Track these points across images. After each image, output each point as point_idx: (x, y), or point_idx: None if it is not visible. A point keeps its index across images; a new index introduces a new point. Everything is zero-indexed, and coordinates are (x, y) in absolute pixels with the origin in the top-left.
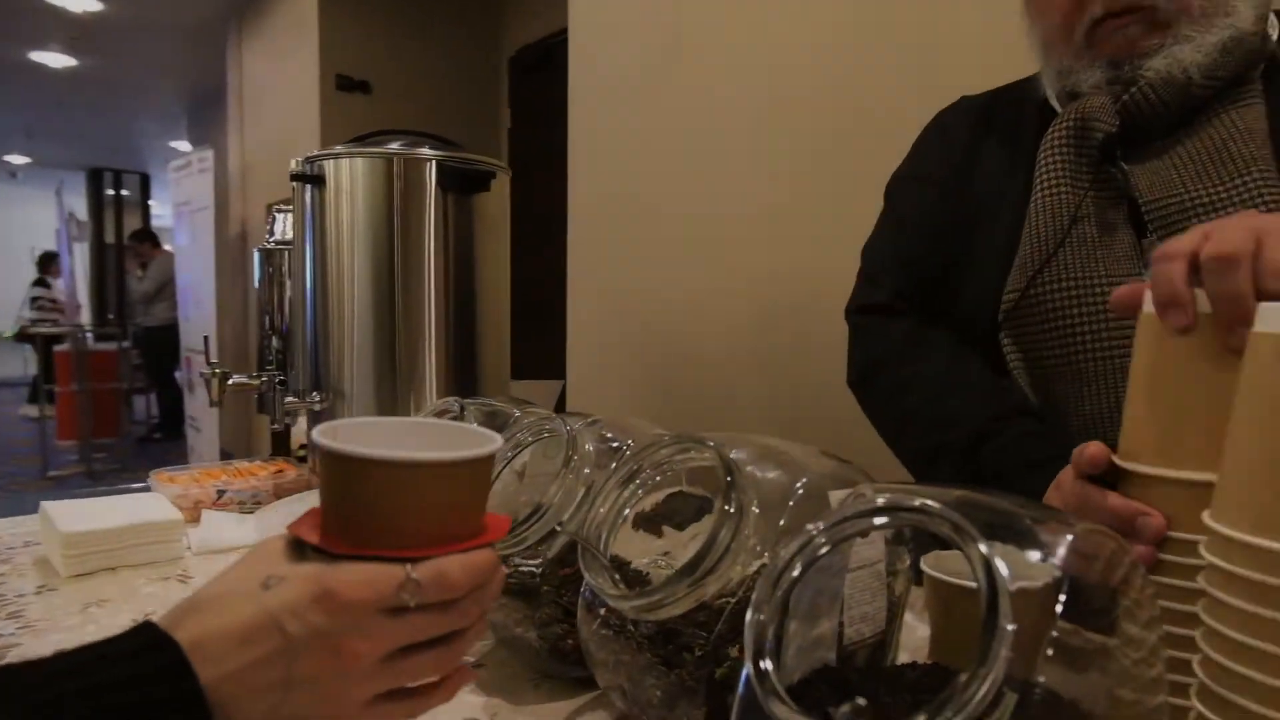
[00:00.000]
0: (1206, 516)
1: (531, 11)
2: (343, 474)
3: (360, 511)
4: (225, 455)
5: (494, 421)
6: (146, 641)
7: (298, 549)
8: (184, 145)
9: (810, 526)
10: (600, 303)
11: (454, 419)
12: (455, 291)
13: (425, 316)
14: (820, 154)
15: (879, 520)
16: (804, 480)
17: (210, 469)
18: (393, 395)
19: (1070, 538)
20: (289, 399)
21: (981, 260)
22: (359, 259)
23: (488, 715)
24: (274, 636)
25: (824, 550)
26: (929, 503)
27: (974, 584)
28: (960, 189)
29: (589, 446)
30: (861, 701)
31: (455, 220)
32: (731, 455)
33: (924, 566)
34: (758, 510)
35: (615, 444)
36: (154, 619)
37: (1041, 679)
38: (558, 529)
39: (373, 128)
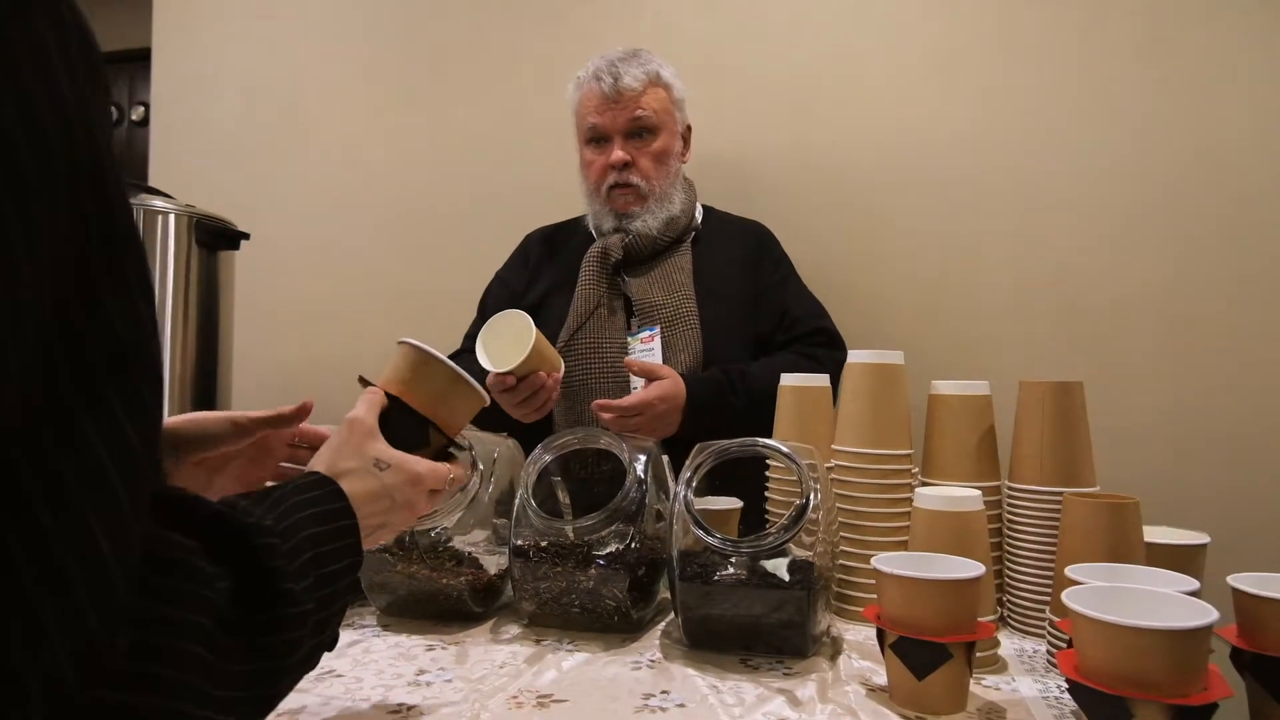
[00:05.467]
0: (834, 445)
1: None
2: (450, 381)
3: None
4: None
5: None
6: (329, 484)
7: (382, 427)
8: None
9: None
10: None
11: None
12: (198, 346)
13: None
14: (457, 243)
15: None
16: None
17: None
18: None
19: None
20: None
21: (545, 322)
22: None
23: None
24: (385, 498)
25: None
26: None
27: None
28: (528, 287)
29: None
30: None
31: (201, 277)
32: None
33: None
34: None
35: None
36: (319, 469)
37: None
38: (554, 480)
39: None
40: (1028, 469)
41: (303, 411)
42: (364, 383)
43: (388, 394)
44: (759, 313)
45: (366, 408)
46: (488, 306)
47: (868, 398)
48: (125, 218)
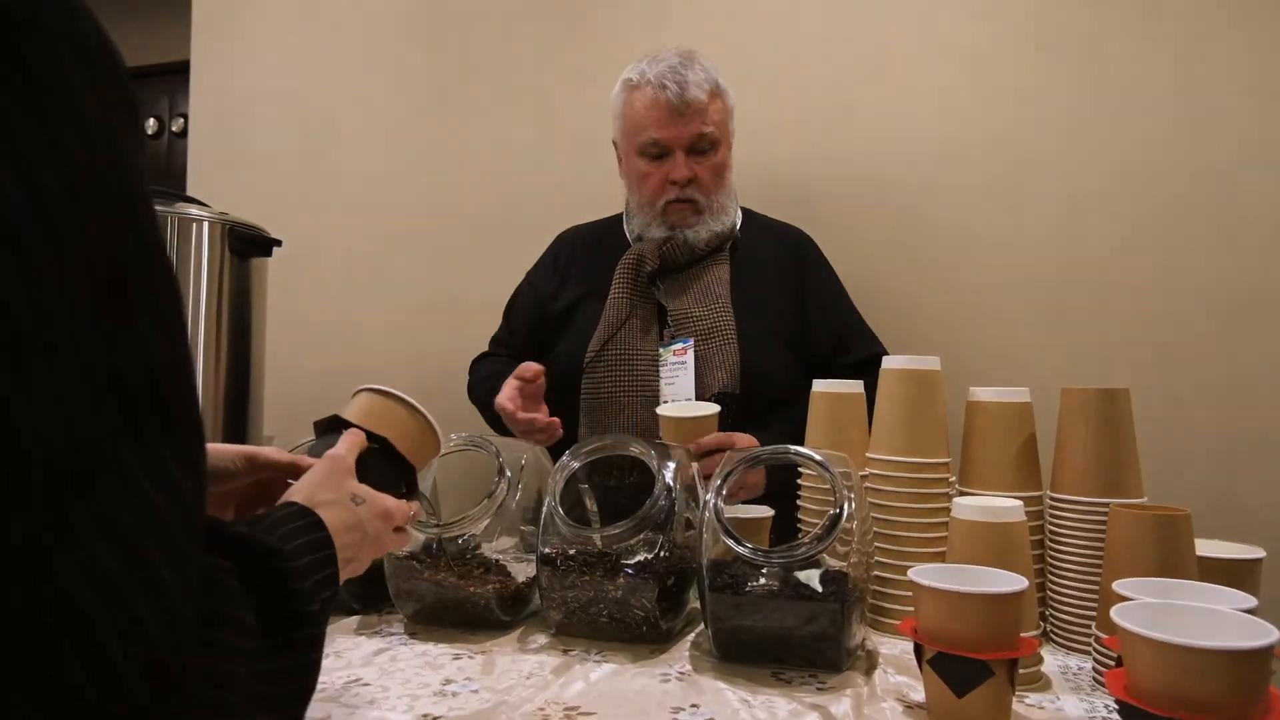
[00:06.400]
0: (869, 453)
1: None
2: (429, 433)
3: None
4: None
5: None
6: (310, 515)
7: (358, 467)
8: None
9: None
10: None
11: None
12: (229, 354)
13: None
14: (480, 245)
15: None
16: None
17: None
18: None
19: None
20: None
21: (575, 330)
22: None
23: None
24: (359, 530)
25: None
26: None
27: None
28: (558, 292)
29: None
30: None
31: (233, 284)
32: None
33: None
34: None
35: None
36: (297, 500)
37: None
38: (582, 488)
39: None
40: (1071, 479)
41: None
42: (336, 422)
43: (373, 436)
44: (807, 328)
45: (348, 447)
46: (515, 309)
47: (904, 404)
48: (159, 251)
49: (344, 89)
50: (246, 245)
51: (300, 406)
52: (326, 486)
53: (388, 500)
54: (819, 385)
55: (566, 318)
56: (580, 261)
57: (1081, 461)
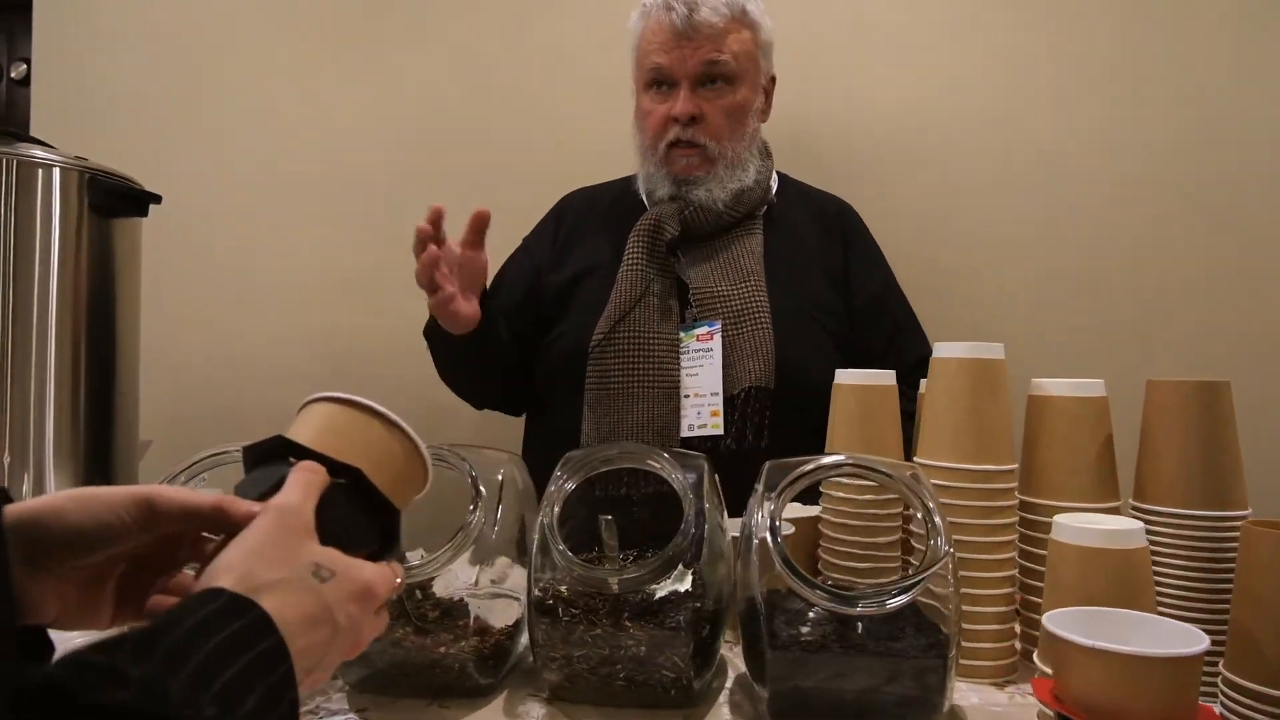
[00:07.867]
0: (919, 458)
1: None
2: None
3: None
4: None
5: None
6: (250, 609)
7: (319, 519)
8: None
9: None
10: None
11: None
12: (90, 336)
13: (47, 367)
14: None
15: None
16: None
17: None
18: None
19: None
20: None
21: (580, 307)
22: None
23: None
24: (326, 624)
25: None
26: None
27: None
28: (558, 263)
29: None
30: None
31: (95, 248)
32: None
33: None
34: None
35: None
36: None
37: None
38: (604, 520)
39: None
40: (1165, 488)
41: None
42: (280, 448)
43: (337, 468)
44: (855, 322)
45: (304, 491)
46: (504, 278)
47: (966, 400)
48: None
49: (227, 22)
50: (113, 200)
51: (185, 401)
52: (274, 557)
53: (365, 569)
54: (844, 376)
55: (569, 292)
56: (587, 227)
57: (1178, 467)
